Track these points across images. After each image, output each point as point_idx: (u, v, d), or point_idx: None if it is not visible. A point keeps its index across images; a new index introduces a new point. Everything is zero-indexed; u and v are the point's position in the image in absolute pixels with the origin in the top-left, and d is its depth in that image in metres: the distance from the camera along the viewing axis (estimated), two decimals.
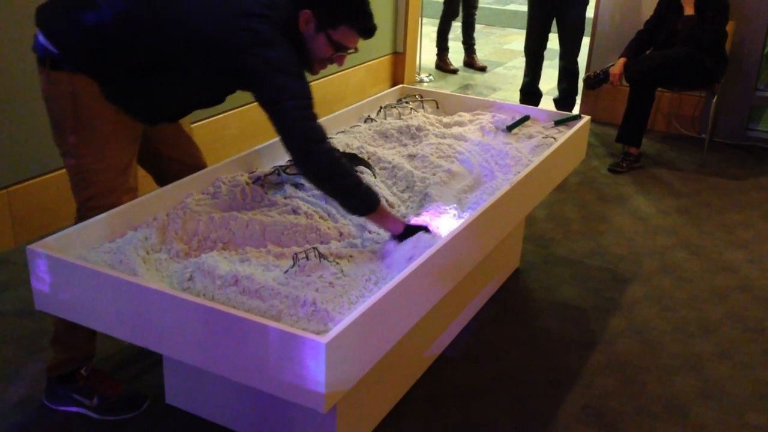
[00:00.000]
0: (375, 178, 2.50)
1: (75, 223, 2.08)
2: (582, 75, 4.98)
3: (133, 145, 2.18)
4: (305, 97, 2.00)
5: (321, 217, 2.27)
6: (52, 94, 2.07)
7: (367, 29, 2.15)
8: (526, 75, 5.12)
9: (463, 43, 6.55)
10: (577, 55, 4.94)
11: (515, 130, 3.01)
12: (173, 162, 2.36)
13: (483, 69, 6.49)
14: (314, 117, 2.03)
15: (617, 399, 2.47)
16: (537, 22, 4.95)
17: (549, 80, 5.66)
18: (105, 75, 2.05)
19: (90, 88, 2.04)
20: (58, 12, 2.03)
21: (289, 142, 2.01)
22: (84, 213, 2.12)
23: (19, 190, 3.19)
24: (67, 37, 2.01)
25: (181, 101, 2.22)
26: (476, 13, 6.39)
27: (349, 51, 2.19)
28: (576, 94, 5.09)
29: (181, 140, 2.38)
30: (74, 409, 2.28)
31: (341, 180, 2.05)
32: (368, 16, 2.14)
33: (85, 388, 2.27)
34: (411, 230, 2.12)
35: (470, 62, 6.56)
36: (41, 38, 2.03)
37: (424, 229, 2.14)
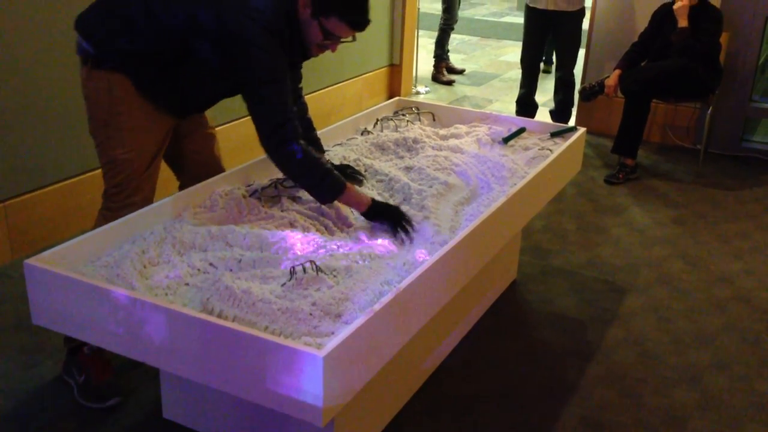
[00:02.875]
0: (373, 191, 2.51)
1: (100, 209, 2.32)
2: (578, 86, 5.00)
3: (162, 139, 2.35)
4: (274, 104, 2.17)
5: (318, 230, 2.28)
6: (90, 90, 2.26)
7: (358, 23, 2.19)
8: (522, 86, 5.14)
9: (435, 55, 6.47)
10: (573, 67, 4.97)
11: (511, 142, 3.02)
12: (193, 154, 2.51)
13: (449, 83, 6.39)
14: (282, 122, 2.17)
15: (615, 411, 2.46)
16: (533, 34, 4.97)
17: (545, 92, 5.69)
18: (138, 70, 2.23)
19: (124, 84, 2.22)
20: (94, 16, 2.25)
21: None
22: (108, 197, 2.31)
23: (16, 204, 3.19)
24: (102, 38, 2.21)
25: (205, 90, 2.34)
26: (453, 25, 6.38)
27: (345, 40, 2.24)
28: (572, 105, 5.11)
29: (202, 135, 2.52)
30: (70, 381, 2.42)
31: (302, 180, 2.26)
32: (360, 9, 2.18)
33: (81, 364, 2.39)
34: (380, 208, 2.28)
35: (437, 76, 6.45)
36: (82, 41, 2.24)
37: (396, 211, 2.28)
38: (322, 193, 2.24)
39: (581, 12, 4.82)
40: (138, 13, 2.18)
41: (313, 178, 2.21)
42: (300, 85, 2.56)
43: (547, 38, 5.00)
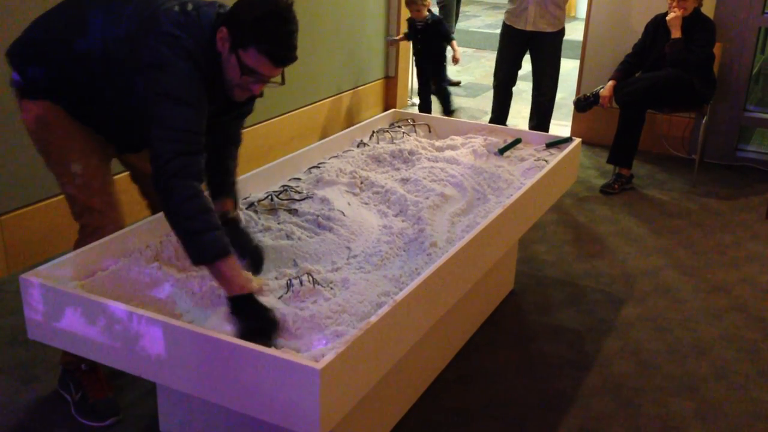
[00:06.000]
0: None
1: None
2: (562, 101, 4.95)
3: (106, 163, 2.26)
4: (178, 129, 1.87)
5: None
6: (25, 122, 2.19)
7: (277, 56, 1.91)
8: (493, 111, 4.85)
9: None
10: (554, 93, 4.77)
11: (507, 153, 3.03)
12: (143, 194, 2.47)
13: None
14: (185, 151, 1.87)
15: (613, 421, 2.46)
16: (508, 54, 4.73)
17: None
18: (63, 97, 2.14)
19: (56, 111, 2.14)
20: (19, 44, 2.18)
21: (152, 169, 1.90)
22: (79, 230, 2.23)
23: (12, 219, 3.18)
24: (27, 67, 2.14)
25: (130, 129, 2.16)
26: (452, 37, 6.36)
27: (271, 80, 1.98)
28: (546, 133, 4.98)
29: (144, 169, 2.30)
30: (67, 396, 2.41)
31: (183, 222, 1.86)
32: (281, 41, 1.91)
33: (77, 381, 2.38)
34: (252, 308, 1.85)
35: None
36: (12, 71, 2.19)
37: (270, 321, 1.83)
38: (199, 247, 1.85)
39: (561, 32, 4.64)
40: (52, 41, 2.09)
41: (195, 226, 1.85)
42: (234, 147, 2.30)
43: (522, 59, 4.78)
